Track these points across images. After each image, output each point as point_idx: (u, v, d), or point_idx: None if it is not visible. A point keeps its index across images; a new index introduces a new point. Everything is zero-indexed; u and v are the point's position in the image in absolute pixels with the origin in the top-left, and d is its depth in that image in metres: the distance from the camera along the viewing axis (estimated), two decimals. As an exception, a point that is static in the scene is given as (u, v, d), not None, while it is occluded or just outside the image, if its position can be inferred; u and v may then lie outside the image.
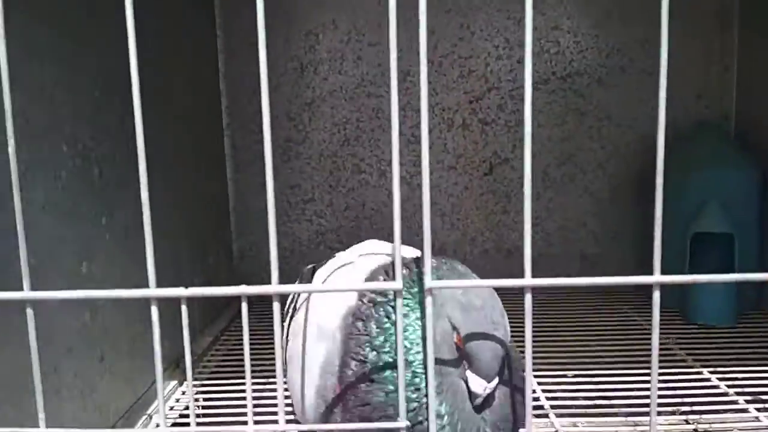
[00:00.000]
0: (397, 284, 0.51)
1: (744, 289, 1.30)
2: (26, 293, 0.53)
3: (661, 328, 1.28)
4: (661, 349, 1.16)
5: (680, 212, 1.26)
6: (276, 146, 1.55)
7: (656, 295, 0.50)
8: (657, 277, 0.50)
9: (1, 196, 0.62)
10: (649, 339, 0.87)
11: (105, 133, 0.87)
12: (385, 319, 0.65)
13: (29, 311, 0.53)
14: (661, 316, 1.31)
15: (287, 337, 0.78)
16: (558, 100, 1.51)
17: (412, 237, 1.44)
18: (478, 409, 0.62)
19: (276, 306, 0.54)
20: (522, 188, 1.46)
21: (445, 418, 0.62)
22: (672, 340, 1.20)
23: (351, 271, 0.76)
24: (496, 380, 0.61)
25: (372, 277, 0.71)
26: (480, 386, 0.61)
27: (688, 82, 1.49)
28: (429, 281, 0.52)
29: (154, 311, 0.54)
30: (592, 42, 1.49)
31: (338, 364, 0.65)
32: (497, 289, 0.67)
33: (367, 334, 0.65)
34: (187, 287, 0.53)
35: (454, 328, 0.63)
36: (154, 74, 1.05)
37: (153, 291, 0.54)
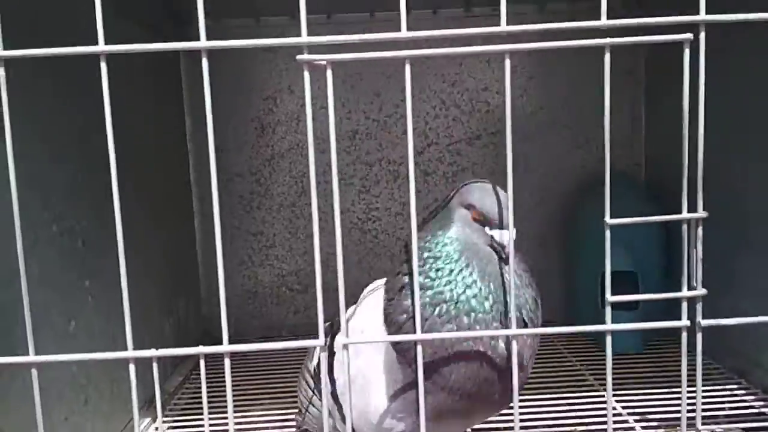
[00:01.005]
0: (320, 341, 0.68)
1: (653, 319, 1.48)
2: (32, 357, 0.68)
3: (576, 356, 1.48)
4: (573, 375, 1.35)
5: (592, 254, 1.45)
6: (240, 198, 1.71)
7: (608, 341, 0.67)
8: (609, 326, 0.69)
9: (2, 275, 0.76)
10: (568, 365, 1.07)
11: (86, 210, 1.03)
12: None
13: (34, 372, 0.68)
14: (577, 344, 1.53)
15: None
16: (490, 153, 1.70)
17: (363, 275, 1.61)
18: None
19: (227, 362, 0.71)
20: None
21: (477, 283, 0.72)
22: (584, 366, 1.39)
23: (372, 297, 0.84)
24: (514, 230, 0.69)
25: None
26: (502, 236, 0.72)
27: (603, 135, 1.69)
28: (344, 339, 0.69)
29: (132, 369, 0.70)
30: (518, 102, 1.69)
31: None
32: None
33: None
34: (157, 345, 0.69)
35: (470, 206, 0.74)
36: (129, 148, 1.21)
37: (130, 353, 0.70)
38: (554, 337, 1.55)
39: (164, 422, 1.20)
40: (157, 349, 0.67)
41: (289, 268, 1.74)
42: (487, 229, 0.74)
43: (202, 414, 1.22)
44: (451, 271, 0.73)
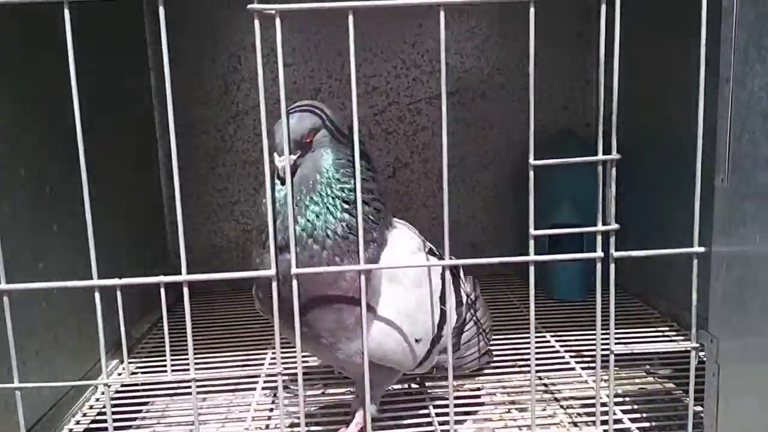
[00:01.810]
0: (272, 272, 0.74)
1: (593, 270, 1.58)
2: (2, 285, 0.74)
3: (524, 303, 1.58)
4: (521, 319, 1.44)
5: (543, 207, 1.53)
6: (205, 155, 1.76)
7: (531, 270, 0.75)
8: (532, 257, 0.76)
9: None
10: (517, 312, 1.16)
11: (54, 157, 1.07)
12: None
13: (5, 299, 0.74)
14: (526, 292, 1.61)
15: None
16: (448, 112, 1.76)
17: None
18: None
19: (185, 291, 0.77)
20: (420, 188, 1.72)
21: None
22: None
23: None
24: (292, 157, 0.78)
25: None
26: (278, 161, 0.78)
27: (555, 95, 1.76)
28: (294, 269, 0.76)
29: (97, 297, 0.76)
30: (475, 62, 1.75)
31: None
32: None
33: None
34: (124, 292, 0.75)
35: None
36: (94, 101, 1.25)
37: (95, 282, 0.76)
38: (505, 287, 1.64)
39: (130, 363, 1.26)
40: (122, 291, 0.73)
41: (254, 224, 1.78)
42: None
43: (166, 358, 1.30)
44: None
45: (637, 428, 0.95)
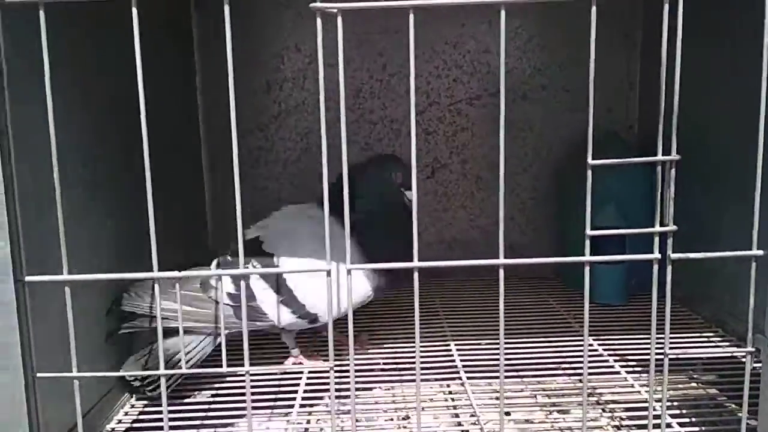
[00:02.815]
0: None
1: (638, 272, 1.57)
2: (65, 276, 0.76)
3: (564, 307, 1.57)
4: (561, 322, 1.43)
5: (583, 212, 1.52)
6: (247, 153, 1.78)
7: (587, 271, 0.75)
8: (587, 258, 0.76)
9: (40, 206, 0.83)
10: (557, 314, 1.16)
11: (110, 154, 1.09)
12: None
13: (67, 290, 0.76)
14: (565, 295, 1.62)
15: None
16: (489, 113, 1.76)
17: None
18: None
19: (242, 284, 0.78)
20: (458, 189, 1.73)
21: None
22: (570, 315, 1.47)
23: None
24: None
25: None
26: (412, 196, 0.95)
27: (599, 98, 1.75)
28: (348, 265, 0.76)
29: (157, 288, 0.77)
30: (517, 63, 1.74)
31: None
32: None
33: None
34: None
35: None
36: (148, 102, 1.28)
37: (156, 273, 0.77)
38: (544, 290, 1.63)
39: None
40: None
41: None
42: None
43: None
44: None
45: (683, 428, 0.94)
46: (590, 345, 1.29)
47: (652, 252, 1.64)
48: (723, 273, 1.34)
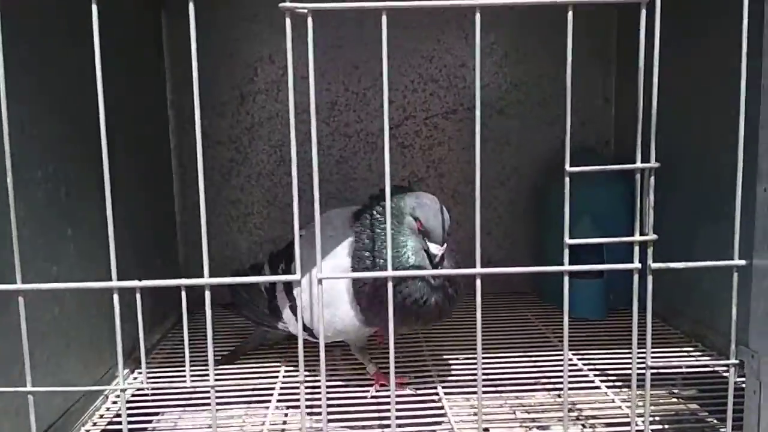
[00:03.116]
0: (297, 276, 0.72)
1: (615, 288, 1.56)
2: (19, 285, 0.71)
3: (543, 322, 1.55)
4: (539, 337, 1.41)
5: (560, 226, 1.50)
6: (219, 166, 1.74)
7: (566, 281, 0.72)
8: (567, 267, 0.74)
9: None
10: (535, 329, 1.11)
11: (72, 160, 1.05)
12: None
13: (21, 300, 0.72)
14: (543, 310, 1.60)
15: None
16: (465, 128, 1.75)
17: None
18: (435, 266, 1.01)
19: (207, 294, 0.74)
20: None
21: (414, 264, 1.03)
22: (548, 330, 1.45)
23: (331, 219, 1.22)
24: (445, 245, 1.01)
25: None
26: (436, 249, 1.00)
27: (574, 112, 1.74)
28: (319, 274, 0.73)
29: (116, 298, 0.73)
30: (493, 78, 1.74)
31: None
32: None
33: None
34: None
35: (416, 218, 1.02)
36: (111, 107, 1.24)
37: (114, 283, 0.73)
38: (522, 305, 1.61)
39: (140, 374, 1.23)
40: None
41: (267, 236, 1.77)
42: (427, 241, 1.03)
43: (180, 367, 1.26)
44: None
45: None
46: (570, 360, 1.27)
47: (629, 271, 1.62)
48: (701, 287, 1.33)
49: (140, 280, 0.73)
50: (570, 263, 0.77)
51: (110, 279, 0.72)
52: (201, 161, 0.73)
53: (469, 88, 1.73)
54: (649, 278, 0.77)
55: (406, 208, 1.05)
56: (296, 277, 0.74)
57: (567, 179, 0.77)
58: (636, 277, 0.77)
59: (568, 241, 0.77)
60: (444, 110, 1.75)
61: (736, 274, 0.76)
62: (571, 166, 0.76)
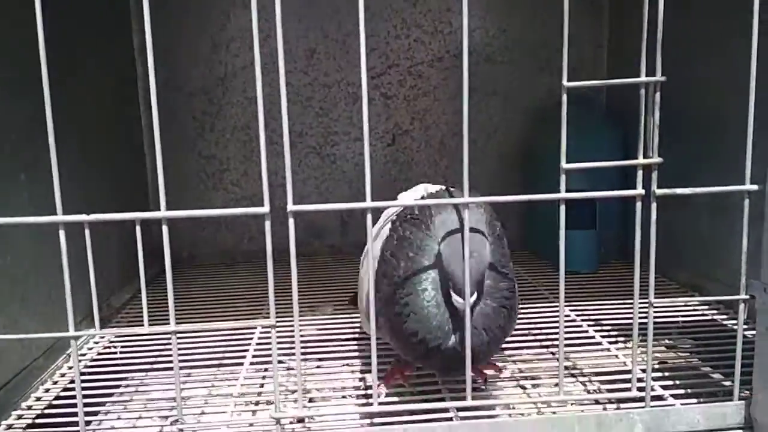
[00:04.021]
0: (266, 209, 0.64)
1: (606, 241, 1.50)
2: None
3: (533, 276, 1.47)
4: (531, 291, 1.34)
5: (552, 172, 1.43)
6: (192, 119, 1.65)
7: (562, 209, 0.65)
8: (563, 195, 0.67)
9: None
10: (527, 285, 1.04)
11: (20, 105, 0.96)
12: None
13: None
14: (535, 267, 1.51)
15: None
16: (451, 75, 1.67)
17: (321, 201, 1.58)
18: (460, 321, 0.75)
19: (165, 229, 0.67)
20: (421, 156, 1.62)
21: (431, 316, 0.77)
22: (540, 284, 1.39)
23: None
24: (473, 298, 0.74)
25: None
26: (457, 302, 0.74)
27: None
28: (290, 206, 0.66)
29: (62, 235, 0.65)
30: (480, 23, 1.65)
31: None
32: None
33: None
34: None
35: (440, 254, 0.78)
36: (67, 49, 1.14)
37: (60, 217, 0.65)
38: (513, 260, 1.54)
39: (105, 334, 1.15)
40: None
41: (244, 193, 1.69)
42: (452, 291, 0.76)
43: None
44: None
45: (671, 395, 0.85)
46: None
47: (621, 223, 1.57)
48: (698, 237, 1.27)
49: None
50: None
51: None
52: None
53: (455, 34, 1.65)
54: (653, 205, 0.70)
55: (439, 228, 0.81)
56: (265, 209, 0.67)
57: (564, 96, 0.70)
58: (639, 205, 0.70)
59: (564, 165, 0.70)
60: (429, 58, 1.66)
61: (747, 200, 0.69)
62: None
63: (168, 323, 0.67)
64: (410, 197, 1.01)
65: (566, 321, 1.16)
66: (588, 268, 1.45)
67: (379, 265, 0.84)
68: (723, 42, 1.18)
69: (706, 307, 1.21)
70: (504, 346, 1.08)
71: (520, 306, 1.22)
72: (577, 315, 1.19)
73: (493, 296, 0.78)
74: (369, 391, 0.91)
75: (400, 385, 0.94)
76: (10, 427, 0.85)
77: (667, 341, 1.13)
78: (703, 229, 1.26)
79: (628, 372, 0.92)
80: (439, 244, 0.79)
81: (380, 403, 0.74)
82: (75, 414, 0.73)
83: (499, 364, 0.99)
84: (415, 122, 1.69)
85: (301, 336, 0.72)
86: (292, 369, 1.02)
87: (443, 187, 0.98)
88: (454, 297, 0.75)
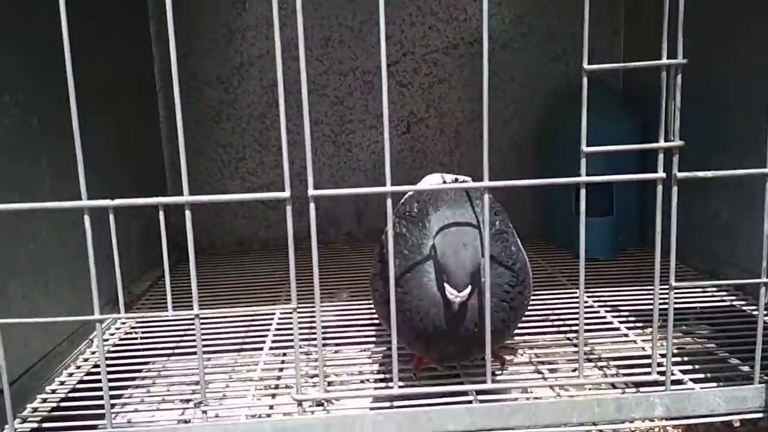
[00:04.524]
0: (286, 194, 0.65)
1: (624, 228, 1.49)
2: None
3: (550, 263, 1.47)
4: (549, 278, 1.34)
5: (568, 159, 1.43)
6: (208, 108, 1.66)
7: (582, 193, 0.65)
8: (583, 179, 0.67)
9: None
10: (544, 272, 1.01)
11: (45, 91, 0.97)
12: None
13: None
14: (552, 254, 1.51)
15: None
16: (467, 63, 1.66)
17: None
18: (455, 315, 0.76)
19: (188, 214, 0.68)
20: (436, 145, 1.62)
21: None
22: (557, 270, 1.39)
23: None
24: (467, 290, 0.74)
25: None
26: (451, 294, 0.74)
27: (581, 45, 1.65)
28: (311, 191, 0.67)
29: (87, 220, 0.66)
30: (495, 9, 1.64)
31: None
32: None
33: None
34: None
35: (434, 246, 0.79)
36: (88, 39, 1.15)
37: (85, 202, 0.66)
38: (529, 249, 1.54)
39: (129, 318, 1.17)
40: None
41: (260, 182, 1.70)
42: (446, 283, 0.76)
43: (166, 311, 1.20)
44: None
45: (690, 379, 0.86)
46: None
47: (638, 210, 1.55)
48: (716, 223, 1.26)
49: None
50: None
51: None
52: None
53: (470, 21, 1.64)
54: (674, 189, 0.70)
55: (434, 224, 0.83)
56: (286, 194, 0.67)
57: (585, 79, 0.69)
58: (659, 187, 0.70)
59: (585, 149, 0.70)
60: (444, 45, 1.66)
61: (769, 184, 0.69)
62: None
63: (188, 309, 0.68)
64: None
65: (585, 307, 1.16)
66: (606, 256, 1.44)
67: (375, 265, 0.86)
68: (745, 24, 1.17)
69: (725, 293, 1.21)
70: (521, 332, 1.09)
71: (538, 293, 1.23)
72: (595, 301, 1.19)
73: (493, 290, 0.76)
74: (388, 375, 0.92)
75: (431, 368, 0.94)
76: (35, 410, 0.86)
77: (684, 327, 1.13)
78: (721, 215, 1.25)
79: (647, 357, 0.92)
80: (434, 238, 0.80)
81: (400, 387, 0.74)
82: (98, 398, 0.74)
83: (519, 351, 1.00)
84: (430, 110, 1.68)
85: (321, 321, 0.73)
86: (312, 354, 1.03)
87: (454, 178, 0.98)
88: (448, 289, 0.75)
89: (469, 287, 0.75)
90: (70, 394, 0.91)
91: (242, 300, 1.29)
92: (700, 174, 0.70)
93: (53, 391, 0.92)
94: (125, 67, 1.42)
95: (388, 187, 0.69)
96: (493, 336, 0.73)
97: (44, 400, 0.89)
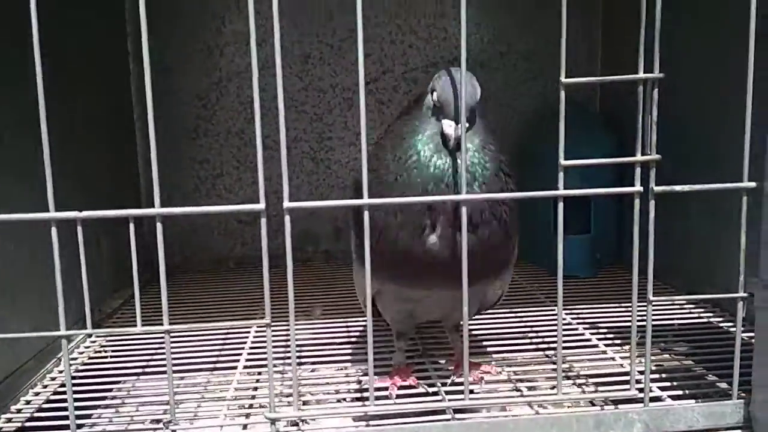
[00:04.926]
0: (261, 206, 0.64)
1: (604, 246, 1.50)
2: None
3: (529, 282, 1.46)
4: (527, 296, 1.33)
5: (546, 177, 1.43)
6: (186, 124, 1.64)
7: (560, 206, 0.69)
8: (561, 192, 0.67)
9: None
10: (522, 289, 0.99)
11: (14, 107, 0.95)
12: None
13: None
14: (531, 272, 1.49)
15: None
16: (445, 81, 1.66)
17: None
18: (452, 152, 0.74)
19: (159, 226, 0.66)
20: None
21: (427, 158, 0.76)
22: (536, 288, 1.38)
23: None
24: (464, 125, 0.72)
25: None
26: (449, 127, 0.74)
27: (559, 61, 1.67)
28: (287, 203, 0.65)
29: (54, 231, 0.64)
30: (474, 29, 1.65)
31: None
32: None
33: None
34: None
35: (432, 90, 0.79)
36: (68, 59, 1.14)
37: (52, 214, 0.64)
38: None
39: (98, 337, 1.14)
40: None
41: (237, 199, 1.68)
42: (442, 118, 0.76)
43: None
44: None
45: (669, 396, 0.85)
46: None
47: (616, 228, 1.56)
48: (695, 242, 1.27)
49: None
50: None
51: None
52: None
53: (449, 40, 1.65)
54: (651, 203, 0.70)
55: (427, 93, 0.82)
56: (261, 206, 0.66)
57: (562, 93, 0.70)
58: (637, 201, 0.70)
59: (563, 162, 0.70)
60: (424, 64, 1.66)
61: (745, 198, 0.69)
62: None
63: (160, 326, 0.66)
64: None
65: (563, 324, 1.16)
66: (585, 273, 1.44)
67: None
68: (719, 39, 1.19)
69: (702, 309, 1.21)
70: (500, 349, 1.08)
71: (517, 311, 1.22)
72: (573, 318, 1.19)
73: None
74: (365, 394, 0.90)
75: (409, 386, 0.92)
76: (0, 430, 0.83)
77: (662, 344, 1.13)
78: (699, 234, 1.26)
79: (625, 374, 0.91)
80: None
81: (376, 405, 0.73)
82: (65, 417, 0.72)
83: (496, 368, 0.99)
84: (409, 128, 1.68)
85: (296, 339, 0.71)
86: (286, 373, 1.01)
87: None
88: (445, 123, 0.74)
89: (467, 124, 0.73)
90: (36, 414, 0.88)
91: (217, 318, 1.27)
92: (677, 188, 0.70)
93: (19, 411, 0.89)
94: (100, 83, 1.40)
95: (366, 200, 0.68)
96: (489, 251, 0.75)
97: (9, 420, 0.86)
